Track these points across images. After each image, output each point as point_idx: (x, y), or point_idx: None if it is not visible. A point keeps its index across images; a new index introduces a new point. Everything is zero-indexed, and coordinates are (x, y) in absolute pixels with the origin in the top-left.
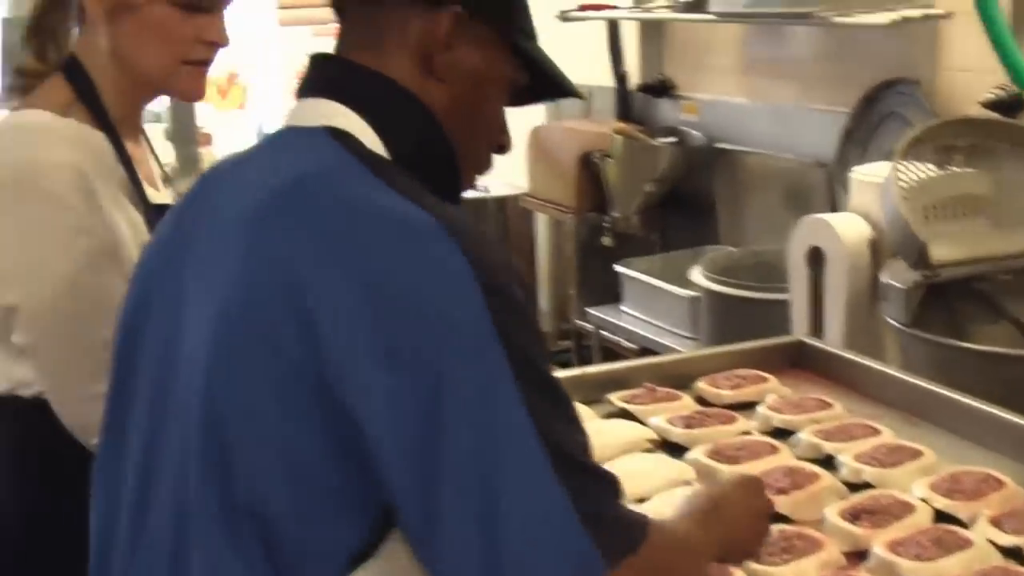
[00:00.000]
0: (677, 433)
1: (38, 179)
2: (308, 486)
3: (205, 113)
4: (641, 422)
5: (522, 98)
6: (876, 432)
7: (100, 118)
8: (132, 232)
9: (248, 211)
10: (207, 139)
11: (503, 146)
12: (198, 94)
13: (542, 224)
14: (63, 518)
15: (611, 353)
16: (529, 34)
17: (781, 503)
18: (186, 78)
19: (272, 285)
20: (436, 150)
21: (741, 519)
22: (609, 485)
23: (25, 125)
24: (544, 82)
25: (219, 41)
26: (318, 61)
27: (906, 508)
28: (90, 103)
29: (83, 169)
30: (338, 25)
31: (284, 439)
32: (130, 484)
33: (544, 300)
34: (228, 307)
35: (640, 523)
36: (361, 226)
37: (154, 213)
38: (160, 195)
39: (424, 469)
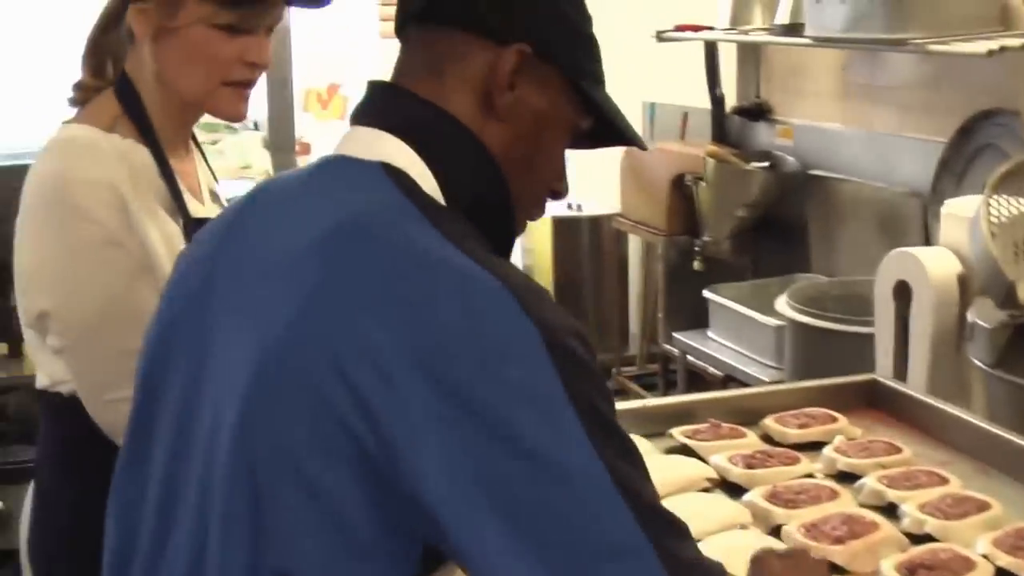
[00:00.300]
0: (736, 473)
1: (71, 194)
2: (341, 538)
3: (305, 122)
4: (702, 459)
5: (582, 142)
6: (944, 481)
7: (145, 133)
8: (167, 245)
9: (300, 250)
10: (306, 148)
11: (558, 192)
12: (239, 115)
13: (634, 245)
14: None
15: (697, 378)
16: (597, 78)
17: (836, 553)
18: (227, 99)
19: (322, 333)
20: (492, 197)
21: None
22: (684, 530)
23: (69, 139)
24: (607, 129)
25: (260, 62)
26: (377, 88)
27: (966, 564)
28: (136, 118)
29: (116, 185)
30: (400, 52)
31: (321, 489)
32: (149, 508)
33: (633, 322)
34: (272, 348)
35: (718, 569)
36: (419, 280)
37: (195, 226)
38: (205, 208)
39: (502, 532)
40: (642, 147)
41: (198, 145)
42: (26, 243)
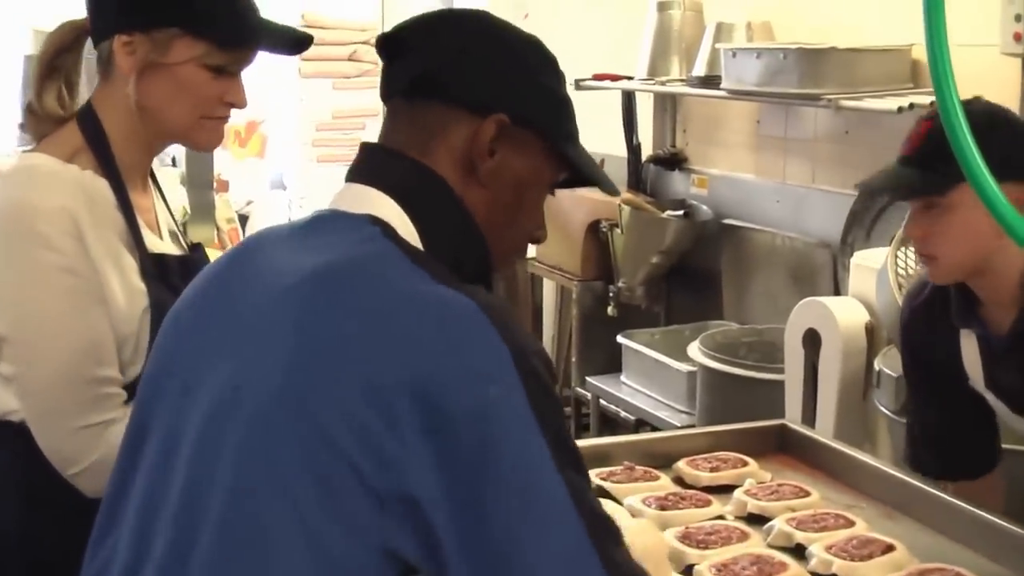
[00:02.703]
0: (650, 514)
1: (29, 220)
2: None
3: (223, 160)
4: (617, 501)
5: (555, 187)
6: (850, 523)
7: (105, 166)
8: (120, 278)
9: (294, 288)
10: (224, 186)
11: (538, 239)
12: (215, 145)
13: (548, 290)
14: (46, 543)
15: (609, 422)
16: (572, 136)
17: None
18: (208, 131)
19: (319, 366)
20: (470, 252)
21: None
22: (619, 534)
23: (27, 168)
24: (583, 178)
25: (238, 103)
26: (369, 149)
27: None
28: (98, 151)
29: (75, 213)
30: (385, 115)
31: (312, 518)
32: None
33: None
34: (270, 382)
35: (643, 573)
36: (405, 310)
37: (151, 261)
38: (163, 244)
39: (468, 538)
40: (615, 193)
41: (156, 182)
42: None
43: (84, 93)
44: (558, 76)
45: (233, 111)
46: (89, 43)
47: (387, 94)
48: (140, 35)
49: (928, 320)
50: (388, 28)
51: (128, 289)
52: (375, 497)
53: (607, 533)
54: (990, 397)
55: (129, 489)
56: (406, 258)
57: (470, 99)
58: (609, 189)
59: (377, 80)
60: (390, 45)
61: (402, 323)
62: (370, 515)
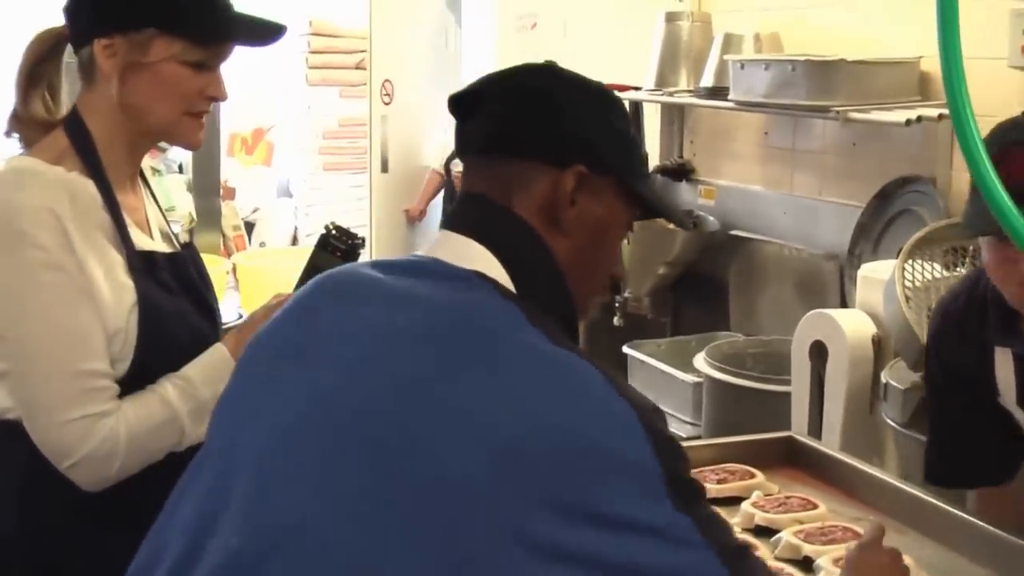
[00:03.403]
0: None
1: (13, 220)
2: None
3: (229, 167)
4: None
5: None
6: (857, 536)
7: (91, 167)
8: (107, 274)
9: (422, 329)
10: (230, 193)
11: (617, 276)
12: (199, 143)
13: None
14: (47, 543)
15: None
16: (645, 176)
17: None
18: (189, 128)
19: (444, 417)
20: (560, 303)
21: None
22: (758, 558)
23: (11, 171)
24: (655, 211)
25: (219, 96)
26: (467, 199)
27: None
28: (83, 153)
29: (58, 212)
30: (464, 173)
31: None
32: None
33: None
34: (385, 418)
35: None
36: (534, 371)
37: (139, 258)
38: (152, 243)
39: None
40: (688, 228)
41: (147, 183)
42: None
43: (65, 98)
44: (625, 117)
45: (239, 114)
46: (69, 49)
47: (463, 150)
48: (119, 37)
49: (961, 332)
50: (377, 32)
51: (114, 285)
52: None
53: (742, 557)
54: (1020, 415)
55: (187, 494)
56: (525, 318)
57: (550, 153)
58: (682, 224)
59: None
60: (463, 103)
61: (528, 385)
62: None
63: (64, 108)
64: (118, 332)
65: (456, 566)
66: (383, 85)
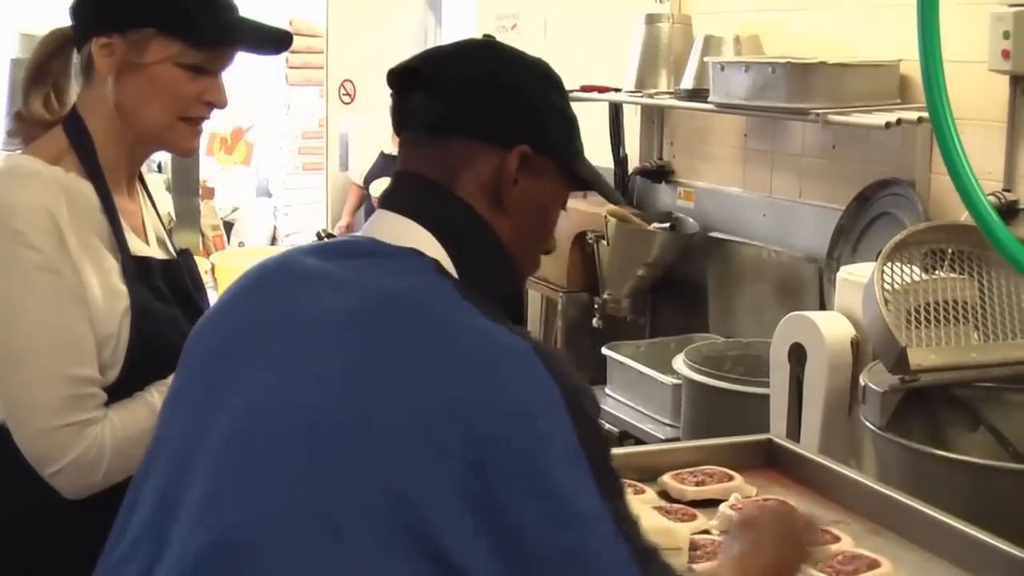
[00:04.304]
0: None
1: (7, 219)
2: None
3: (208, 167)
4: None
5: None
6: (836, 539)
7: (89, 168)
8: (100, 278)
9: (352, 312)
10: (209, 193)
11: (550, 250)
12: (192, 149)
13: (534, 301)
14: (26, 540)
15: None
16: (582, 154)
17: None
18: (182, 134)
19: (377, 390)
20: (503, 280)
21: (773, 549)
22: (658, 554)
23: (9, 169)
24: (589, 187)
25: (218, 103)
26: (404, 178)
27: None
28: (82, 154)
29: (54, 212)
30: (401, 145)
31: (349, 538)
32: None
33: None
34: (319, 407)
35: None
36: (462, 346)
37: (134, 264)
38: (148, 249)
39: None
40: (622, 204)
41: (145, 187)
42: None
43: (73, 98)
44: (565, 96)
45: (216, 112)
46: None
47: (402, 125)
48: (117, 36)
49: None
50: (333, 29)
51: (108, 290)
52: (409, 525)
53: (651, 555)
54: None
55: (143, 495)
56: (459, 295)
57: (495, 133)
58: (615, 200)
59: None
60: (404, 78)
61: (458, 360)
62: (412, 540)
63: (69, 108)
64: (109, 338)
65: (407, 528)
66: (342, 85)
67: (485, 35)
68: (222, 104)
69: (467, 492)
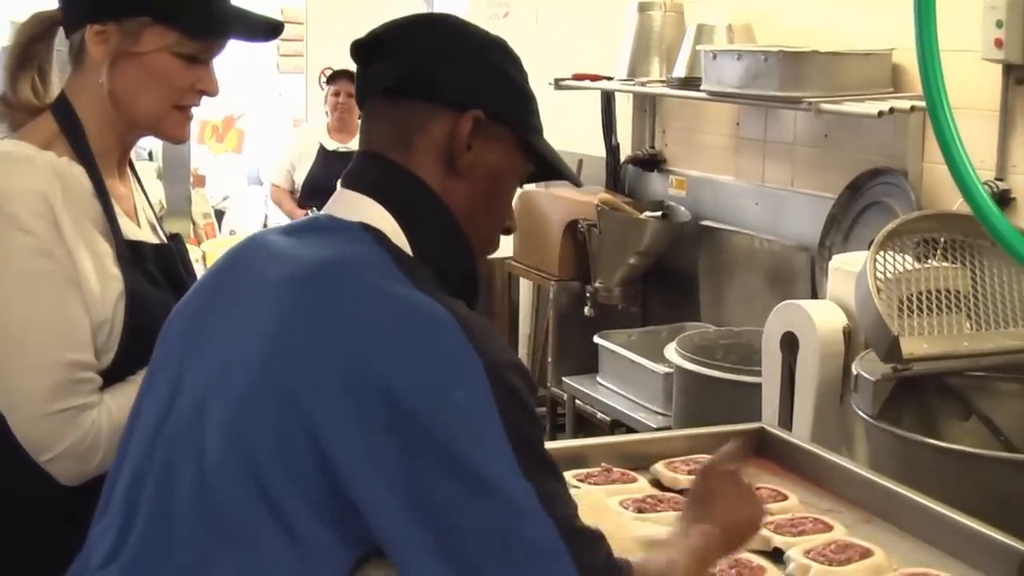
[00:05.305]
0: (628, 516)
1: (3, 203)
2: (289, 539)
3: (200, 155)
4: None
5: (524, 181)
6: (828, 528)
7: (81, 153)
8: (95, 263)
9: (287, 279)
10: (200, 181)
11: (509, 228)
12: (184, 137)
13: (525, 289)
14: (22, 528)
15: (585, 423)
16: (538, 129)
17: None
18: (175, 122)
19: (298, 358)
20: (456, 255)
21: (725, 515)
22: (598, 538)
23: (4, 154)
24: (548, 170)
25: (210, 91)
26: (361, 156)
27: None
28: (73, 139)
29: (49, 197)
30: (363, 117)
31: (276, 498)
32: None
33: None
34: (258, 361)
35: (625, 568)
36: (375, 312)
37: (127, 248)
38: (140, 232)
39: (426, 541)
40: (578, 184)
41: (135, 172)
42: None
43: (55, 83)
44: (524, 73)
45: (207, 100)
46: (60, 33)
47: (364, 95)
48: (112, 24)
49: None
50: (313, 17)
51: (102, 275)
52: (338, 486)
53: (584, 537)
54: None
55: (121, 470)
56: (394, 265)
57: (450, 97)
58: (573, 180)
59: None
60: (366, 48)
61: (378, 325)
62: (337, 502)
63: (54, 94)
64: (104, 323)
65: (330, 490)
66: (322, 72)
67: (444, 13)
68: (214, 92)
69: (386, 465)
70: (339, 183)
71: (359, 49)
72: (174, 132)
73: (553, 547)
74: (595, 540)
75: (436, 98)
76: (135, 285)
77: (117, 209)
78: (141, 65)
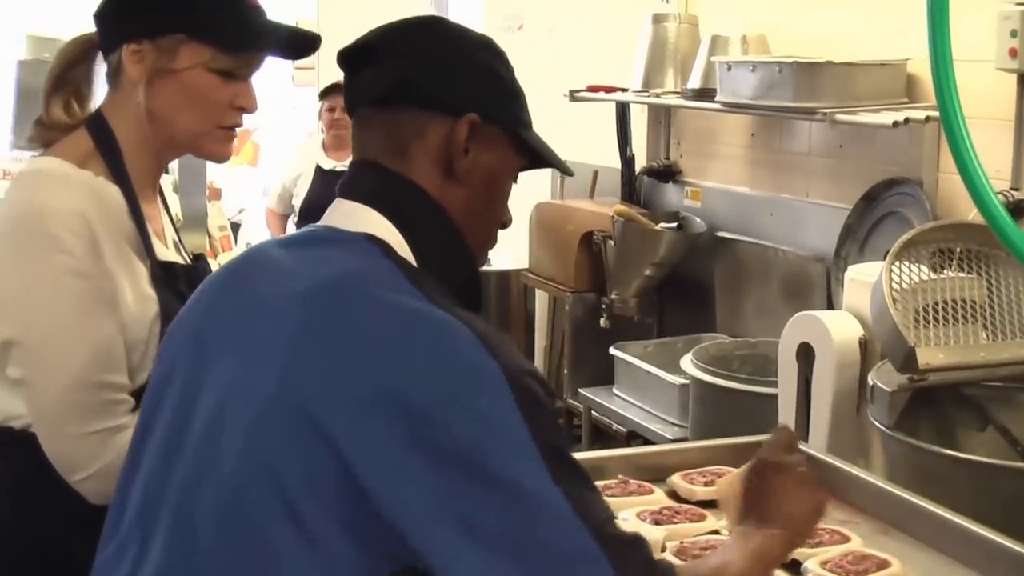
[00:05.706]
0: (645, 529)
1: (44, 222)
2: (322, 560)
3: (215, 168)
4: None
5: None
6: (845, 539)
7: (117, 173)
8: (132, 284)
9: (298, 295)
10: (216, 194)
11: (505, 223)
12: (226, 156)
13: (540, 301)
14: (48, 554)
15: (601, 434)
16: (528, 123)
17: None
18: (218, 141)
19: (317, 372)
20: (457, 263)
21: (783, 511)
22: (636, 541)
23: (42, 171)
24: (541, 162)
25: (249, 107)
26: (360, 166)
27: None
28: (109, 158)
29: (89, 217)
30: (354, 126)
31: (304, 516)
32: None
33: None
34: (274, 380)
35: (667, 571)
36: (393, 327)
37: (159, 268)
38: (168, 252)
39: (470, 551)
40: (569, 173)
41: (161, 193)
42: None
43: (94, 105)
44: (511, 69)
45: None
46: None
47: (354, 104)
48: (147, 43)
49: None
50: (325, 29)
51: (139, 295)
52: (366, 502)
53: (620, 540)
54: None
55: (131, 490)
56: (404, 277)
57: (444, 102)
58: (564, 170)
59: None
60: (353, 56)
61: (393, 339)
62: (363, 517)
63: (89, 112)
64: (139, 343)
65: (358, 507)
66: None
67: (431, 15)
68: (253, 108)
69: (417, 480)
70: (336, 193)
71: (346, 57)
72: (215, 149)
73: (590, 552)
74: (632, 543)
75: (430, 104)
76: (169, 305)
77: (149, 229)
78: (178, 82)
